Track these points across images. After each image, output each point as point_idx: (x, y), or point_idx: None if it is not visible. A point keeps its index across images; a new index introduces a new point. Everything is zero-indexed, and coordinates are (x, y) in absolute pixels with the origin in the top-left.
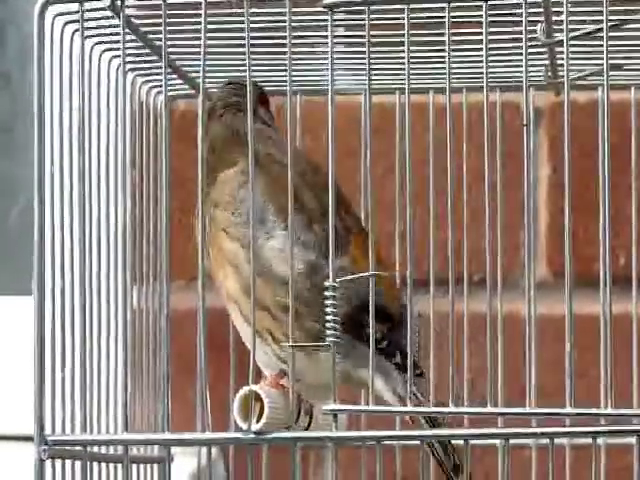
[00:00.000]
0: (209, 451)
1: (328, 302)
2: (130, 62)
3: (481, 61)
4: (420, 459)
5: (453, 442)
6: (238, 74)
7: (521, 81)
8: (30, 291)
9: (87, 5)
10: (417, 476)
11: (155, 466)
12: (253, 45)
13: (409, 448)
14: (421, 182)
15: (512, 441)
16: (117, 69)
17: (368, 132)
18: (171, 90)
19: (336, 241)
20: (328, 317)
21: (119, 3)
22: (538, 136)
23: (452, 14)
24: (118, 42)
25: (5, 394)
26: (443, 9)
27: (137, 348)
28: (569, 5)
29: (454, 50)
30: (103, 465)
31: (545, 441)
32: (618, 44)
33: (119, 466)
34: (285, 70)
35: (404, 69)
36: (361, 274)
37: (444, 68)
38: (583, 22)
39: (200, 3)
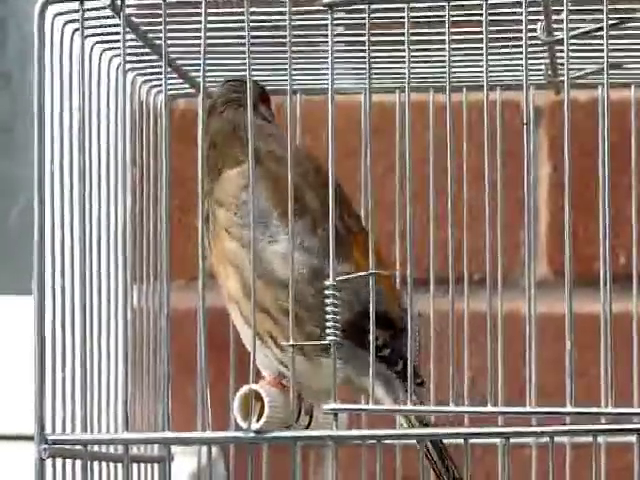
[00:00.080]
0: (209, 450)
1: (328, 301)
2: (130, 61)
3: (481, 60)
4: (420, 459)
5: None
6: (238, 73)
7: (521, 80)
8: (30, 291)
9: (87, 4)
10: (417, 476)
11: (155, 465)
12: (253, 44)
13: (409, 447)
14: (421, 181)
15: (512, 440)
16: (117, 68)
17: (368, 131)
18: (171, 89)
19: (339, 246)
20: (328, 317)
21: (119, 2)
22: (538, 135)
23: (452, 13)
24: (118, 41)
25: (5, 394)
26: (443, 8)
27: (137, 347)
28: (569, 4)
29: (454, 49)
30: (103, 464)
31: (545, 440)
32: (618, 43)
33: (119, 465)
34: (285, 69)
35: (404, 68)
36: (361, 273)
37: (444, 67)
38: (583, 21)
39: (200, 2)
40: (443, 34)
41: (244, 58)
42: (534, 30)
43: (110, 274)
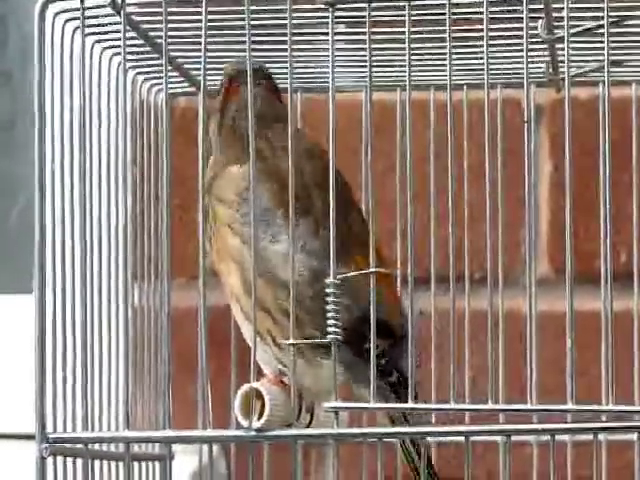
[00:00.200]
0: (210, 448)
1: (329, 300)
2: (131, 60)
3: (482, 58)
4: (421, 457)
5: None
6: None
7: (522, 78)
8: (31, 290)
9: (87, 3)
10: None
11: (156, 464)
12: (254, 42)
13: None
14: (422, 180)
15: (513, 438)
16: (118, 67)
17: (369, 129)
18: (172, 88)
19: (340, 250)
20: (329, 315)
21: (119, 1)
22: (539, 133)
23: (453, 11)
24: (119, 40)
25: (6, 393)
26: (444, 6)
27: (138, 346)
28: (569, 1)
29: (455, 47)
30: (104, 463)
31: (546, 438)
32: (619, 40)
33: (120, 464)
34: (286, 67)
35: (405, 66)
36: (362, 271)
37: (445, 65)
38: (583, 18)
39: (200, 0)
40: (444, 32)
41: (245, 56)
42: (535, 28)
43: (111, 273)
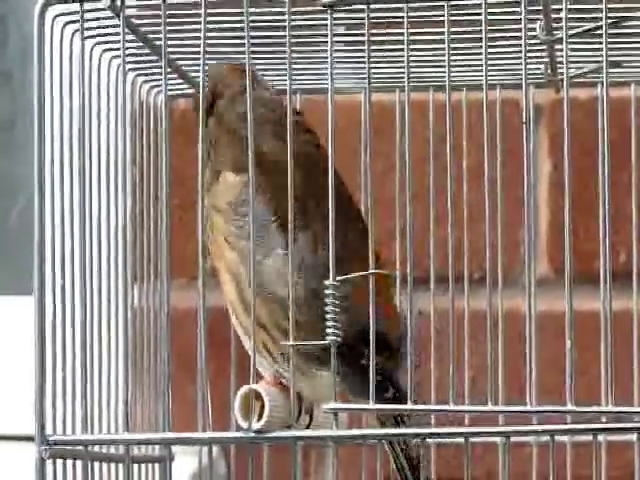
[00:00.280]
0: (210, 450)
1: (328, 301)
2: (130, 62)
3: (480, 59)
4: (421, 457)
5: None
6: None
7: (521, 79)
8: (30, 290)
9: (87, 6)
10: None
11: (156, 465)
12: (253, 44)
13: None
14: (421, 180)
15: (513, 439)
16: (117, 69)
17: (368, 130)
18: (171, 89)
19: (340, 266)
20: (328, 317)
21: (119, 3)
22: (538, 133)
23: (451, 12)
24: (118, 42)
25: (5, 394)
26: (442, 7)
27: (138, 347)
28: (568, 3)
29: (453, 48)
30: (104, 465)
31: (546, 438)
32: (617, 41)
33: (120, 466)
34: (285, 69)
35: (404, 67)
36: (361, 273)
37: (444, 66)
38: (582, 20)
39: (200, 3)
40: (442, 34)
41: (244, 58)
42: (533, 29)
43: (110, 273)
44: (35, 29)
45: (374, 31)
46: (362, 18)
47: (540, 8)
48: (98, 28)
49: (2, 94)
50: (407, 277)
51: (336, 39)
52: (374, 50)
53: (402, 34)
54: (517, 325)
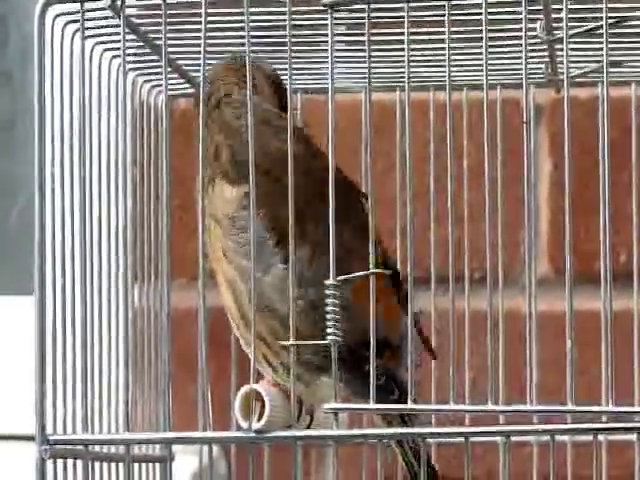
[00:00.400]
0: (210, 450)
1: (329, 301)
2: (131, 62)
3: (481, 59)
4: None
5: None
6: None
7: (521, 79)
8: (31, 290)
9: (87, 5)
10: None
11: (157, 465)
12: (253, 44)
13: None
14: (422, 180)
15: (513, 438)
16: (118, 69)
17: (369, 130)
18: (172, 89)
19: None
20: (329, 316)
21: (119, 3)
22: (539, 133)
23: (451, 12)
24: (118, 42)
25: (6, 394)
26: (443, 7)
27: (138, 347)
28: (568, 2)
29: (453, 48)
30: (104, 464)
31: (546, 438)
32: (618, 41)
33: (121, 465)
34: (285, 69)
35: (404, 67)
36: (361, 273)
37: (444, 66)
38: (583, 19)
39: (200, 2)
40: (443, 33)
41: (244, 57)
42: (534, 29)
43: (111, 273)
44: (35, 29)
45: (374, 31)
46: (362, 18)
47: (540, 8)
48: (98, 28)
49: (2, 94)
50: (407, 276)
51: (337, 39)
52: (374, 50)
53: (403, 34)
54: (517, 325)
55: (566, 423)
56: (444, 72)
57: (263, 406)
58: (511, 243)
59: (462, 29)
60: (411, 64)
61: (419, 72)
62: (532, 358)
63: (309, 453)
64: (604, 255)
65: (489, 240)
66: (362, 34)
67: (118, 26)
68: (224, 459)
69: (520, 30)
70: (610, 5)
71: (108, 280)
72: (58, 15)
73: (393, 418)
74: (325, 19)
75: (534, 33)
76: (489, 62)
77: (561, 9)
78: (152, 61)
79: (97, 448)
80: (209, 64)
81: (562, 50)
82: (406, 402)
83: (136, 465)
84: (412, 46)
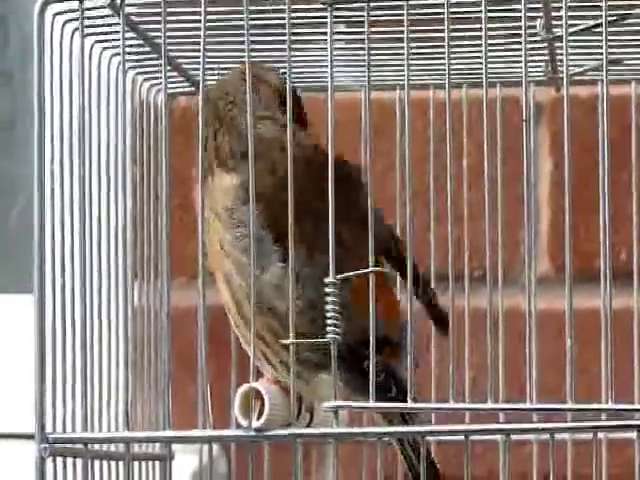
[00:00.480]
0: (210, 448)
1: (329, 299)
2: (130, 60)
3: (481, 57)
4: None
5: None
6: None
7: (521, 77)
8: (30, 289)
9: (87, 4)
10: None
11: (157, 463)
12: (253, 42)
13: None
14: (421, 178)
15: (513, 437)
16: (117, 67)
17: (368, 128)
18: (171, 88)
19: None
20: (329, 315)
21: (118, 1)
22: (539, 131)
23: (451, 10)
24: (118, 40)
25: (5, 393)
26: (442, 5)
27: (138, 346)
28: (568, 1)
29: (454, 46)
30: (104, 463)
31: (546, 436)
32: (617, 39)
33: (120, 464)
34: (285, 67)
35: (404, 65)
36: (361, 271)
37: (444, 64)
38: (582, 17)
39: (199, 0)
40: (442, 31)
41: (244, 56)
42: (534, 27)
43: (110, 272)
44: (35, 27)
45: (374, 29)
46: (362, 16)
47: (540, 6)
48: (98, 26)
49: (2, 94)
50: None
51: (336, 37)
52: (374, 48)
53: (402, 32)
54: (517, 323)
55: (566, 421)
56: (444, 70)
57: (263, 404)
58: (511, 242)
59: (462, 27)
60: (410, 62)
61: (419, 71)
62: (532, 356)
63: (309, 452)
64: (604, 254)
65: (489, 239)
66: (362, 32)
67: (117, 24)
68: (224, 458)
69: (520, 28)
70: (610, 3)
71: (108, 279)
72: (57, 13)
73: (394, 416)
74: (324, 17)
75: (534, 31)
76: (488, 60)
77: (561, 7)
78: (152, 59)
79: (97, 447)
80: (209, 62)
81: (562, 48)
82: (405, 399)
83: (136, 464)
84: (411, 44)
